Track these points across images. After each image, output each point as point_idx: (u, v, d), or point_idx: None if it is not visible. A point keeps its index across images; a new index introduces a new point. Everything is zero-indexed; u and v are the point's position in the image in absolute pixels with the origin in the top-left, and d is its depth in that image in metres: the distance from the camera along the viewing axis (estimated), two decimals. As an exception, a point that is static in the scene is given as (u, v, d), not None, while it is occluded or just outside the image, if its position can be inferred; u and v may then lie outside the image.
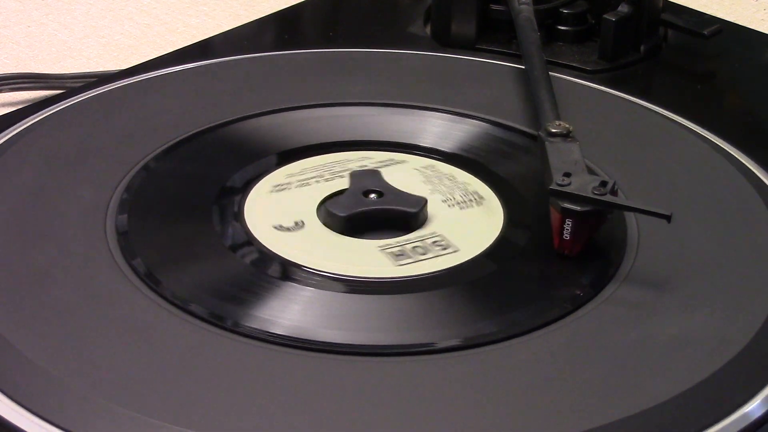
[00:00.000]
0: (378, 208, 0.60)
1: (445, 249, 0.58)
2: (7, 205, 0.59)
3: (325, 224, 0.60)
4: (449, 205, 0.62)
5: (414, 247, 0.59)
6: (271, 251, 0.58)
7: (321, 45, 0.79)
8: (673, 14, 0.80)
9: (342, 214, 0.60)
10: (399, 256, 0.58)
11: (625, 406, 0.49)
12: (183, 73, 0.73)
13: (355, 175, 0.62)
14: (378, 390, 0.50)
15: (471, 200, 0.62)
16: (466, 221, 0.61)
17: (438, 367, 0.51)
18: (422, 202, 0.60)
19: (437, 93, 0.70)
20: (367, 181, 0.62)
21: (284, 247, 0.58)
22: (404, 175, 0.63)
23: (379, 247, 0.58)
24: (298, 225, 0.59)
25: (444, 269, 0.57)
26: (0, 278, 0.55)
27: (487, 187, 0.63)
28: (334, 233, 0.59)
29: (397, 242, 0.59)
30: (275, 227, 0.59)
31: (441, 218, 0.61)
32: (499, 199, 0.62)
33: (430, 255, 0.58)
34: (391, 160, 0.65)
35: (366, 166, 0.64)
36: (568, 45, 0.79)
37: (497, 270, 0.57)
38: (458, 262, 0.58)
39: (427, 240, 0.59)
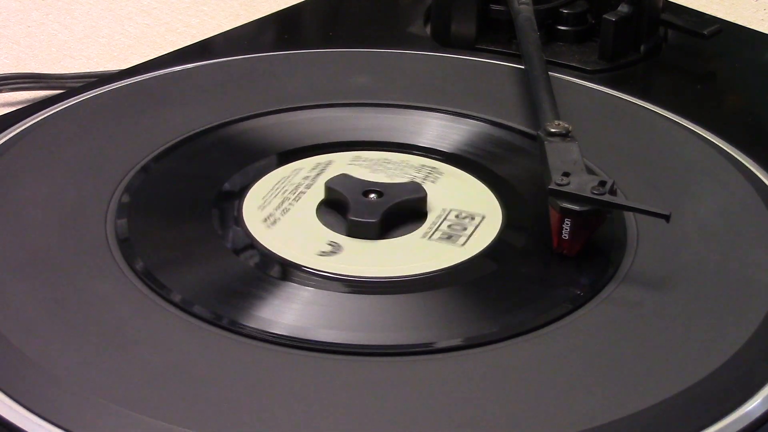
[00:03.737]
0: (398, 201, 0.60)
1: (473, 218, 0.59)
2: (7, 205, 0.60)
3: (354, 235, 0.59)
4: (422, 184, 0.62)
5: (449, 226, 0.59)
6: (270, 251, 0.58)
7: (321, 45, 0.79)
8: (673, 14, 0.80)
9: (375, 220, 0.59)
10: (450, 237, 0.58)
11: (625, 405, 0.49)
12: (183, 73, 0.73)
13: (334, 183, 0.62)
14: (378, 390, 0.50)
15: (430, 174, 0.63)
16: (453, 191, 0.61)
17: (438, 367, 0.51)
18: (418, 184, 0.61)
19: (437, 93, 0.70)
20: (352, 185, 0.61)
21: (318, 260, 0.58)
22: (353, 172, 0.63)
23: (422, 238, 0.59)
24: (334, 246, 0.59)
25: (444, 269, 0.57)
26: (0, 278, 0.55)
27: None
28: (369, 241, 0.59)
29: (430, 229, 0.59)
30: (319, 254, 0.58)
31: (430, 196, 0.61)
32: (499, 199, 0.62)
33: (470, 228, 0.59)
34: (318, 164, 0.64)
35: (309, 176, 0.63)
36: (568, 45, 0.79)
37: (497, 270, 0.57)
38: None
39: (450, 217, 0.60)
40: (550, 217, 0.57)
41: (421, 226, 0.60)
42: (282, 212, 0.60)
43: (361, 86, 0.71)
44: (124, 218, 0.59)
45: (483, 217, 0.60)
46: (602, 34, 0.77)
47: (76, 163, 0.63)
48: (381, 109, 0.69)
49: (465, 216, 0.60)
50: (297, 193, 0.62)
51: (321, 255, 0.58)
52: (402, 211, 0.60)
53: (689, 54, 0.80)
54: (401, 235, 0.59)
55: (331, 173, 0.63)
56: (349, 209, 0.59)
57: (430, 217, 0.60)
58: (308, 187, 0.62)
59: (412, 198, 0.60)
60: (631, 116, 0.70)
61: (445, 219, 0.60)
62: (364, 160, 0.64)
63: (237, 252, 0.58)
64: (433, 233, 0.59)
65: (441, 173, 0.63)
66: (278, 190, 0.62)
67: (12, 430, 0.47)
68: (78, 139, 0.65)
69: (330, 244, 0.58)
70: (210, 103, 0.69)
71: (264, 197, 0.62)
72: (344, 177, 0.62)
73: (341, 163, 0.64)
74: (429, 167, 0.64)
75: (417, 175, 0.63)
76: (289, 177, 0.63)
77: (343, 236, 0.59)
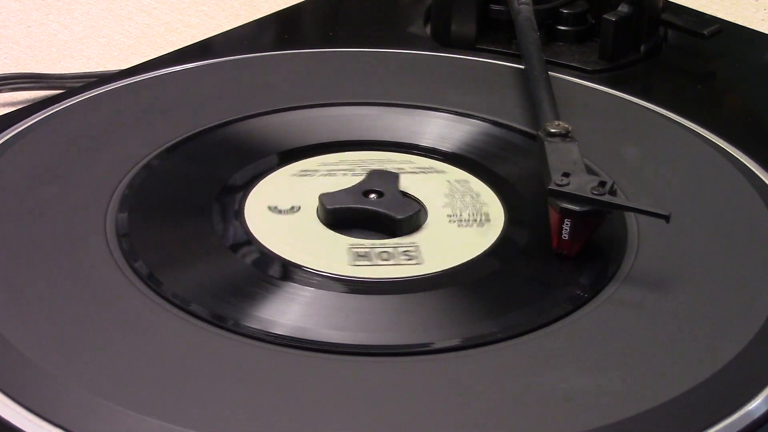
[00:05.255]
0: (364, 207, 0.60)
1: (410, 260, 0.58)
2: (7, 205, 0.60)
3: (317, 215, 0.60)
4: (450, 221, 0.61)
5: (381, 252, 0.58)
6: (271, 251, 0.58)
7: (321, 45, 0.79)
8: (673, 14, 0.80)
9: (328, 207, 0.60)
10: (361, 257, 0.58)
11: (625, 406, 0.49)
12: (183, 73, 0.73)
13: (373, 174, 0.62)
14: (378, 390, 0.50)
15: (474, 220, 0.61)
16: (452, 239, 0.59)
17: (438, 368, 0.51)
18: (413, 210, 0.60)
19: (437, 93, 0.70)
20: (378, 180, 0.62)
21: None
22: (431, 184, 0.63)
23: (350, 245, 0.58)
24: (293, 209, 0.60)
25: (444, 269, 0.57)
26: (0, 278, 0.55)
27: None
28: (321, 225, 0.60)
29: (372, 244, 0.59)
30: (269, 207, 0.59)
31: (432, 231, 0.60)
32: (499, 199, 0.62)
33: (391, 262, 0.58)
34: (431, 168, 0.65)
35: (402, 168, 0.64)
36: (568, 45, 0.79)
37: (497, 270, 0.57)
38: (416, 273, 0.57)
39: (399, 248, 0.59)
40: (550, 217, 0.57)
41: (380, 239, 0.59)
42: (324, 172, 0.62)
43: (339, 86, 0.71)
44: (124, 219, 0.59)
45: (418, 264, 0.58)
46: (602, 34, 0.77)
47: (76, 164, 0.63)
48: (381, 108, 0.69)
49: (409, 254, 0.58)
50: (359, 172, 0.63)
51: (270, 209, 0.60)
52: (366, 218, 0.60)
53: (689, 54, 0.80)
54: (355, 236, 0.59)
55: (423, 179, 0.63)
56: (335, 192, 0.60)
57: (395, 239, 0.59)
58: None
59: (382, 212, 0.60)
60: (631, 116, 0.70)
61: (395, 246, 0.59)
62: (462, 186, 0.63)
63: (237, 252, 0.58)
64: (362, 248, 0.58)
65: (481, 225, 0.60)
66: (355, 164, 0.63)
67: (12, 430, 0.47)
68: (78, 139, 0.65)
69: (292, 208, 0.60)
70: (210, 102, 0.69)
71: (269, 196, 0.62)
72: (382, 172, 0.62)
73: (446, 177, 0.64)
74: (486, 217, 0.61)
75: (464, 217, 0.61)
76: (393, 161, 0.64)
77: (313, 212, 0.60)
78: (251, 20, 0.84)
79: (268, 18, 0.84)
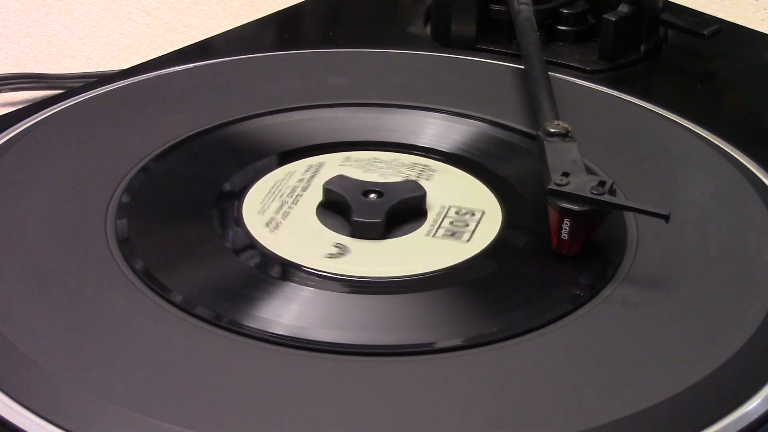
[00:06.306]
0: (399, 200, 0.60)
1: (473, 214, 0.60)
2: (6, 205, 0.60)
3: (358, 236, 0.59)
4: (450, 219, 0.61)
5: (451, 223, 0.59)
6: (270, 252, 0.58)
7: (321, 45, 0.79)
8: (673, 14, 0.80)
9: (379, 220, 0.59)
10: (454, 234, 0.59)
11: (625, 405, 0.49)
12: (183, 73, 0.73)
13: (333, 184, 0.61)
14: (378, 390, 0.50)
15: (423, 171, 0.63)
16: (449, 187, 0.61)
17: (438, 367, 0.51)
18: (416, 182, 0.61)
19: (437, 93, 0.70)
20: (351, 185, 0.61)
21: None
22: (347, 173, 0.63)
23: (426, 236, 0.59)
24: (341, 248, 0.59)
25: (444, 269, 0.57)
26: (1, 279, 0.55)
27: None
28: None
29: (433, 227, 0.59)
30: (326, 257, 0.58)
31: (431, 230, 0.60)
32: (498, 199, 0.62)
33: (472, 223, 0.59)
34: (310, 166, 0.64)
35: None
36: (568, 45, 0.79)
37: (497, 270, 0.57)
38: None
39: (450, 214, 0.60)
40: (550, 217, 0.57)
41: (421, 224, 0.60)
42: (283, 216, 0.60)
43: (339, 86, 0.71)
44: (124, 218, 0.59)
45: (483, 212, 0.60)
46: (602, 34, 0.77)
47: (76, 164, 0.63)
48: (381, 109, 0.69)
49: (465, 212, 0.60)
50: (294, 196, 0.62)
51: (329, 257, 0.57)
52: (403, 210, 0.60)
53: (689, 54, 0.80)
54: (404, 234, 0.59)
55: (324, 175, 0.62)
56: (352, 210, 0.59)
57: (431, 215, 0.60)
58: (304, 189, 0.62)
59: (412, 196, 0.60)
60: (631, 116, 0.70)
61: (445, 216, 0.60)
62: (355, 161, 0.64)
63: (237, 252, 0.58)
64: (437, 231, 0.59)
65: (434, 170, 0.63)
66: (275, 193, 0.62)
67: (12, 430, 0.47)
68: (78, 139, 0.65)
69: (336, 246, 0.58)
70: (210, 103, 0.69)
71: (262, 201, 0.62)
72: (341, 178, 0.61)
73: (332, 165, 0.64)
74: (421, 165, 0.64)
75: (410, 173, 0.63)
76: (284, 180, 0.63)
77: (347, 237, 0.59)
78: (251, 20, 0.84)
79: (268, 18, 0.84)
